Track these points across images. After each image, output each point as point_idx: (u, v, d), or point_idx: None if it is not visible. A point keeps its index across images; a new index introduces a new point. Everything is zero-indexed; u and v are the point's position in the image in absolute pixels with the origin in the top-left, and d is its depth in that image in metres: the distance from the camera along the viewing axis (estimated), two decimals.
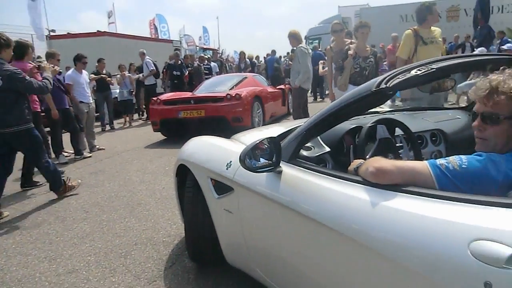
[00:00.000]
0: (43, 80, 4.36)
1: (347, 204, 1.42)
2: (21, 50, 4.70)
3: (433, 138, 2.27)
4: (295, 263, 1.77)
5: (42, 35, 14.13)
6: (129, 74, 10.80)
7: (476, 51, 9.28)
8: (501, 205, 1.04)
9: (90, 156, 6.74)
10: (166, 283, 2.57)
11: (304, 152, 1.93)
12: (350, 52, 4.94)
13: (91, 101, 7.43)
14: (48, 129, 6.11)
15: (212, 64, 13.08)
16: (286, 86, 9.83)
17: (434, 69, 1.54)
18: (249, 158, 1.71)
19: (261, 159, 1.76)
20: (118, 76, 10.56)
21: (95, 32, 14.02)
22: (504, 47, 8.83)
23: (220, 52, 21.89)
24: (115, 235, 3.37)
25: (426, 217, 1.15)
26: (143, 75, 10.89)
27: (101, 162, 6.33)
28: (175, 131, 7.97)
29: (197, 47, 24.69)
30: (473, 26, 12.01)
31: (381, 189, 1.33)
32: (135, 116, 11.86)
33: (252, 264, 2.11)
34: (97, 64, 9.33)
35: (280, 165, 1.78)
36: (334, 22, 5.81)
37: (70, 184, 4.65)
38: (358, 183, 1.43)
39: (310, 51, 6.72)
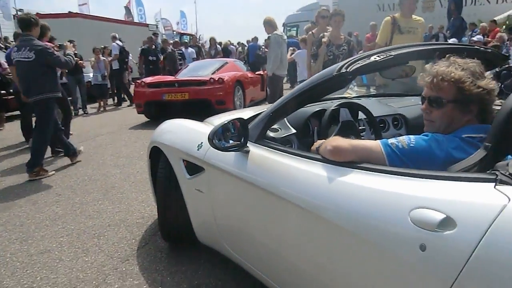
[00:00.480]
0: (67, 57, 4.87)
1: (308, 180, 1.53)
2: (42, 30, 5.02)
3: (395, 122, 2.42)
4: (261, 238, 1.88)
5: (9, 15, 13.71)
6: (104, 58, 10.64)
7: (449, 42, 9.56)
8: (438, 178, 1.17)
9: None
10: (139, 261, 2.65)
11: (271, 133, 2.04)
12: (324, 39, 5.03)
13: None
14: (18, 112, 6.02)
15: (190, 49, 12.96)
16: (264, 72, 10.02)
17: (392, 56, 1.66)
18: (217, 138, 1.80)
19: (230, 140, 1.85)
20: (92, 59, 10.37)
21: (67, 13, 13.71)
22: (474, 38, 9.14)
23: (198, 37, 21.62)
24: (88, 217, 3.41)
25: (376, 190, 1.27)
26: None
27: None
28: (159, 113, 8.08)
29: (174, 32, 24.33)
30: (447, 17, 12.32)
31: (338, 166, 1.45)
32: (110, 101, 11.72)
33: (222, 241, 2.21)
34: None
35: (248, 145, 1.88)
36: (322, 8, 5.81)
37: (79, 150, 5.35)
38: (319, 161, 1.55)
39: (285, 38, 6.75)
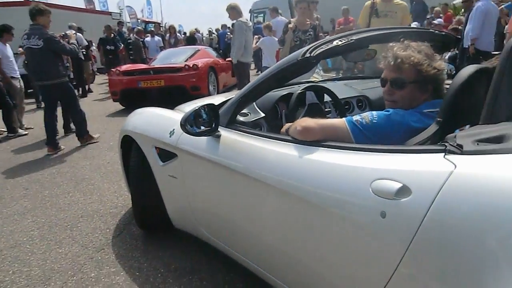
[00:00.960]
0: (71, 46, 5.53)
1: (279, 160, 1.62)
2: None
3: (359, 104, 2.55)
4: (236, 219, 1.97)
5: None
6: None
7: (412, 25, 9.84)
8: (396, 151, 1.29)
9: (26, 134, 6.52)
10: (114, 249, 2.70)
11: (241, 118, 2.12)
12: (290, 25, 5.10)
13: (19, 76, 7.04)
14: None
15: (157, 38, 12.77)
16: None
17: (353, 40, 1.76)
18: (189, 124, 1.87)
19: (201, 126, 1.92)
20: None
21: (22, 1, 13.11)
22: (435, 21, 9.45)
23: (163, 26, 21.15)
24: (59, 210, 3.41)
25: (341, 165, 1.38)
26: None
27: (39, 140, 6.13)
28: (135, 101, 7.99)
29: (139, 20, 23.78)
30: (409, 2, 12.62)
31: (307, 145, 1.54)
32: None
33: (197, 225, 2.29)
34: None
35: (219, 129, 1.96)
36: None
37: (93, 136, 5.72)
38: (288, 142, 1.64)
39: (250, 24, 6.72)
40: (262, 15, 13.81)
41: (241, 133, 1.90)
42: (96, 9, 21.67)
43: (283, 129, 1.81)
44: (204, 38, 17.16)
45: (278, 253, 1.74)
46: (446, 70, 1.56)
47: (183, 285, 2.26)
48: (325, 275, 1.51)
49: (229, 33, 13.25)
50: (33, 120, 7.38)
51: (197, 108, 1.89)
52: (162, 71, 8.08)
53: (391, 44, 1.62)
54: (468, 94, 1.36)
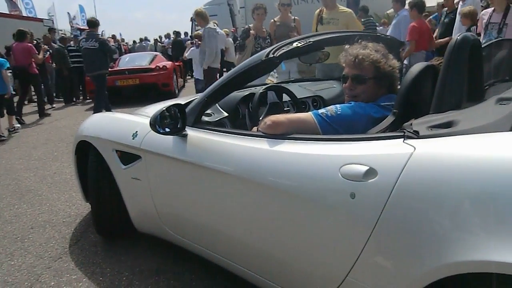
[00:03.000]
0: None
1: (249, 154, 1.70)
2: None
3: (314, 103, 2.71)
4: (205, 216, 2.02)
5: None
6: None
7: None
8: (360, 139, 1.43)
9: None
10: (73, 257, 2.62)
11: (205, 118, 2.18)
12: (252, 31, 5.18)
13: None
14: None
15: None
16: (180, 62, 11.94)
17: (311, 42, 1.91)
18: (158, 124, 1.91)
19: (166, 128, 1.96)
20: None
21: None
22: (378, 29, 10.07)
23: (100, 34, 20.37)
24: (5, 222, 3.22)
25: (310, 154, 1.49)
26: None
27: None
28: (112, 97, 8.57)
29: (72, 27, 22.79)
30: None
31: (276, 139, 1.65)
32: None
33: (162, 225, 2.30)
34: None
35: (185, 129, 2.01)
36: None
37: None
38: (257, 137, 1.73)
39: (218, 30, 6.68)
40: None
41: (208, 131, 1.96)
42: (23, 14, 20.35)
43: (255, 128, 1.90)
44: (149, 46, 17.47)
45: (248, 244, 1.81)
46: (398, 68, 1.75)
47: (150, 286, 2.25)
48: (297, 262, 1.60)
49: (195, 40, 13.15)
50: None
51: (164, 108, 1.93)
52: (136, 71, 9.56)
53: (351, 45, 1.78)
54: (418, 88, 1.54)
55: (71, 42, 11.68)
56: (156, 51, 15.35)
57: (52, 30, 12.80)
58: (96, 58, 7.10)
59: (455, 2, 6.37)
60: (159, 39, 18.58)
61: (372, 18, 9.45)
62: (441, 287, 1.14)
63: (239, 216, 1.83)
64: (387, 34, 5.90)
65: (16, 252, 2.74)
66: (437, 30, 6.69)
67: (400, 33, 5.92)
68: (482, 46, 1.97)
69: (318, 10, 5.04)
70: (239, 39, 5.48)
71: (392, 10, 6.87)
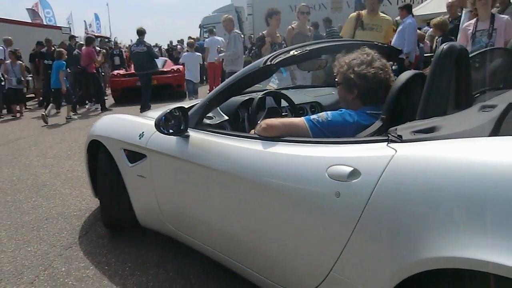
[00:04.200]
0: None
1: (245, 154, 1.72)
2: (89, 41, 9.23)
3: (312, 109, 2.72)
4: (204, 213, 2.03)
5: None
6: (20, 62, 9.79)
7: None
8: (347, 142, 1.44)
9: None
10: (82, 247, 2.65)
11: (207, 121, 2.20)
12: (267, 39, 4.85)
13: None
14: None
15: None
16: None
17: (307, 50, 1.92)
18: (162, 125, 1.93)
19: (170, 129, 1.98)
20: (8, 62, 9.38)
21: None
22: None
23: (113, 40, 20.51)
24: (23, 213, 3.27)
25: (300, 156, 1.50)
26: None
27: None
28: (132, 96, 9.65)
29: (87, 34, 23.00)
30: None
31: (270, 141, 1.66)
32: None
33: (165, 222, 2.32)
34: None
35: (188, 131, 2.03)
36: (302, 4, 5.41)
37: None
38: (253, 139, 1.75)
39: (242, 36, 6.80)
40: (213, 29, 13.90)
41: (209, 133, 1.98)
42: (44, 23, 20.57)
43: (253, 131, 1.92)
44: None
45: (242, 241, 1.82)
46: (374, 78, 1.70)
47: (150, 276, 2.28)
48: (286, 258, 1.60)
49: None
50: None
51: (168, 111, 1.96)
52: (154, 74, 9.56)
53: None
54: (406, 95, 1.55)
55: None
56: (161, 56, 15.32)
57: (72, 37, 12.95)
58: (144, 60, 8.34)
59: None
60: (170, 44, 18.67)
61: (334, 28, 9.50)
62: (419, 285, 1.15)
63: (234, 214, 1.84)
64: (393, 40, 5.86)
65: (32, 240, 2.80)
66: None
67: (404, 39, 5.76)
68: (474, 54, 1.96)
69: (355, 14, 4.58)
70: (254, 48, 5.15)
71: (399, 17, 6.72)
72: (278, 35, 4.94)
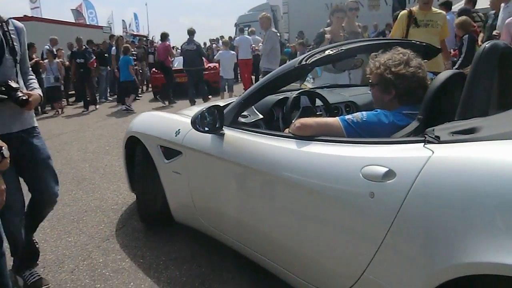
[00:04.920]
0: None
1: (279, 153, 1.74)
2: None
3: (347, 109, 2.70)
4: (236, 208, 2.08)
5: None
6: (59, 60, 10.17)
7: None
8: (382, 143, 1.44)
9: None
10: (119, 240, 2.78)
11: (241, 119, 2.23)
12: (327, 36, 4.62)
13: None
14: None
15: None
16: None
17: (343, 50, 1.92)
18: (198, 123, 1.99)
19: (205, 127, 2.04)
20: (46, 61, 9.65)
21: (22, 17, 12.98)
22: None
23: (151, 38, 21.06)
24: (65, 205, 3.45)
25: (335, 155, 1.51)
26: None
27: None
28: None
29: (126, 33, 23.70)
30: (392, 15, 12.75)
31: (304, 140, 1.68)
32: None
33: (198, 217, 2.38)
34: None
35: (223, 128, 2.08)
36: (350, 0, 5.14)
37: None
38: (287, 138, 1.77)
39: (279, 34, 6.93)
40: (247, 28, 14.01)
41: (243, 131, 2.02)
42: (86, 23, 21.43)
43: (287, 130, 1.94)
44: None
45: (275, 239, 1.85)
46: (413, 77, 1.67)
47: (183, 271, 2.35)
48: (319, 257, 1.62)
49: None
50: None
51: (204, 109, 2.01)
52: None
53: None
54: (444, 95, 1.52)
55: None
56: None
57: (112, 36, 13.42)
58: (195, 58, 9.04)
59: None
60: (204, 45, 19.09)
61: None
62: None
63: (268, 212, 1.87)
64: None
65: (72, 231, 2.96)
66: (481, 34, 6.34)
67: None
68: None
69: (406, 11, 4.37)
70: (312, 44, 4.93)
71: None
72: (341, 33, 4.67)
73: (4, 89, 1.92)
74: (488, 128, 1.23)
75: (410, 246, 1.24)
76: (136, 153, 2.81)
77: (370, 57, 1.75)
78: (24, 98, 1.95)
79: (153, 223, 2.93)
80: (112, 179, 4.17)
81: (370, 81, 1.76)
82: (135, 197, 3.15)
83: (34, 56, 9.03)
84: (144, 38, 18.97)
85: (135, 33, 24.40)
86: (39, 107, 9.38)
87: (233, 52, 9.44)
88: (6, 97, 1.93)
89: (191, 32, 9.17)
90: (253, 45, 8.64)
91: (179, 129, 2.40)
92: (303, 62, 1.81)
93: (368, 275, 1.38)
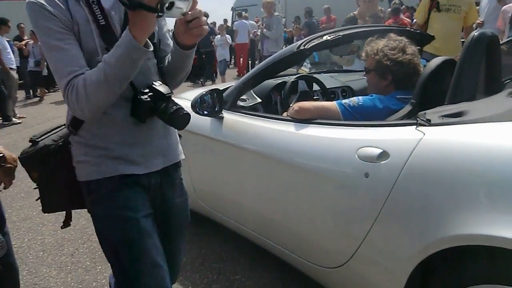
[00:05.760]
0: None
1: (278, 136, 1.84)
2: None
3: (344, 93, 2.80)
4: (235, 190, 2.18)
5: None
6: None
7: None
8: (377, 125, 1.53)
9: (20, 123, 6.56)
10: None
11: (240, 103, 2.32)
12: (360, 21, 4.49)
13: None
14: None
15: None
16: None
17: (340, 36, 2.01)
18: (198, 106, 2.07)
19: (205, 111, 2.12)
20: (31, 42, 8.97)
21: None
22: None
23: None
24: None
25: (331, 138, 1.61)
26: None
27: (33, 128, 6.18)
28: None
29: None
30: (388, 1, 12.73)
31: (302, 123, 1.78)
32: None
33: (198, 199, 2.48)
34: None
35: (222, 112, 2.17)
36: None
37: None
38: (286, 121, 1.87)
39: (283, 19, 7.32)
40: (244, 12, 13.98)
41: (243, 114, 2.11)
42: None
43: (285, 114, 2.03)
44: None
45: (274, 220, 1.96)
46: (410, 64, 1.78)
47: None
48: (316, 235, 1.73)
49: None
50: (24, 109, 7.42)
51: (204, 93, 2.09)
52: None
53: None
54: (436, 80, 1.62)
55: None
56: None
57: None
58: (207, 39, 9.46)
59: None
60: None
61: (315, 18, 9.86)
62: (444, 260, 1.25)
63: (266, 192, 1.97)
64: None
65: (73, 215, 3.02)
66: None
67: None
68: (506, 40, 2.00)
69: None
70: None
71: None
72: (368, 18, 4.58)
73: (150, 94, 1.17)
74: (475, 112, 1.34)
75: (403, 222, 1.35)
76: None
77: (366, 43, 1.84)
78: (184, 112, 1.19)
79: None
80: None
81: (366, 66, 1.85)
82: None
83: (25, 38, 8.95)
84: None
85: None
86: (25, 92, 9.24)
87: (228, 35, 10.00)
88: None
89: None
90: (254, 30, 9.03)
91: None
92: (302, 47, 1.90)
93: (362, 251, 1.49)
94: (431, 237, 1.24)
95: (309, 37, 2.00)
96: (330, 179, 1.59)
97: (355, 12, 4.70)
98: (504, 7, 4.57)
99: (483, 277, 1.16)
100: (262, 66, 2.14)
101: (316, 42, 1.94)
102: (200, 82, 10.32)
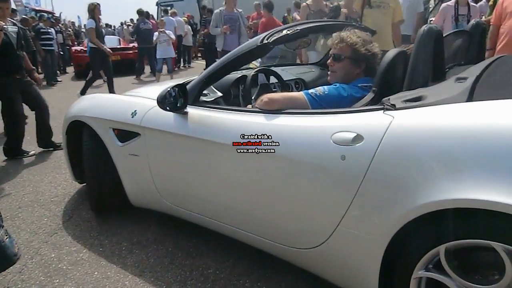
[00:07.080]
0: None
1: (248, 127, 1.97)
2: None
3: (297, 86, 3.04)
4: (205, 184, 2.28)
5: None
6: None
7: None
8: (347, 112, 1.76)
9: None
10: (69, 232, 2.81)
11: (202, 98, 2.45)
12: (344, 10, 4.78)
13: None
14: None
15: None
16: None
17: (298, 30, 2.23)
18: (163, 102, 2.17)
19: (168, 107, 2.22)
20: None
21: None
22: None
23: (59, 15, 19.76)
24: None
25: (305, 126, 1.81)
26: None
27: None
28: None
29: (27, 8, 21.84)
30: None
31: (272, 114, 1.96)
32: None
33: (161, 198, 2.55)
34: None
35: (186, 107, 2.28)
36: None
37: None
38: (256, 113, 2.03)
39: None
40: (169, 8, 13.89)
41: (208, 109, 2.24)
42: None
43: (250, 106, 2.20)
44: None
45: (247, 209, 2.10)
46: (379, 55, 2.08)
47: (150, 253, 2.51)
48: (292, 219, 1.91)
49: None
50: None
51: (168, 88, 2.19)
52: (118, 49, 12.19)
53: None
54: (393, 70, 1.89)
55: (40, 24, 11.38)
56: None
57: (13, 10, 12.41)
58: (149, 36, 10.35)
59: None
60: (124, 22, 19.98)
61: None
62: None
63: (240, 183, 2.11)
64: None
65: (9, 229, 2.85)
66: None
67: None
68: (445, 35, 2.36)
69: None
70: (326, 19, 4.84)
71: None
72: (354, 10, 4.86)
73: None
74: (432, 96, 1.61)
75: (382, 194, 1.57)
76: (84, 138, 2.87)
77: (337, 33, 2.08)
78: None
79: (106, 210, 3.02)
80: (43, 171, 4.07)
81: (340, 54, 2.07)
82: (79, 186, 3.19)
83: None
84: (51, 16, 17.69)
85: (38, 8, 22.51)
86: None
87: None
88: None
89: (141, 13, 11.11)
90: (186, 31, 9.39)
91: (135, 110, 2.52)
92: (265, 41, 2.08)
93: (341, 228, 1.71)
94: (406, 207, 1.48)
95: (270, 31, 2.19)
96: (307, 163, 1.78)
97: (340, 2, 4.99)
98: (443, 4, 5.18)
99: (453, 235, 1.42)
100: (225, 60, 2.27)
101: (277, 36, 2.13)
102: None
